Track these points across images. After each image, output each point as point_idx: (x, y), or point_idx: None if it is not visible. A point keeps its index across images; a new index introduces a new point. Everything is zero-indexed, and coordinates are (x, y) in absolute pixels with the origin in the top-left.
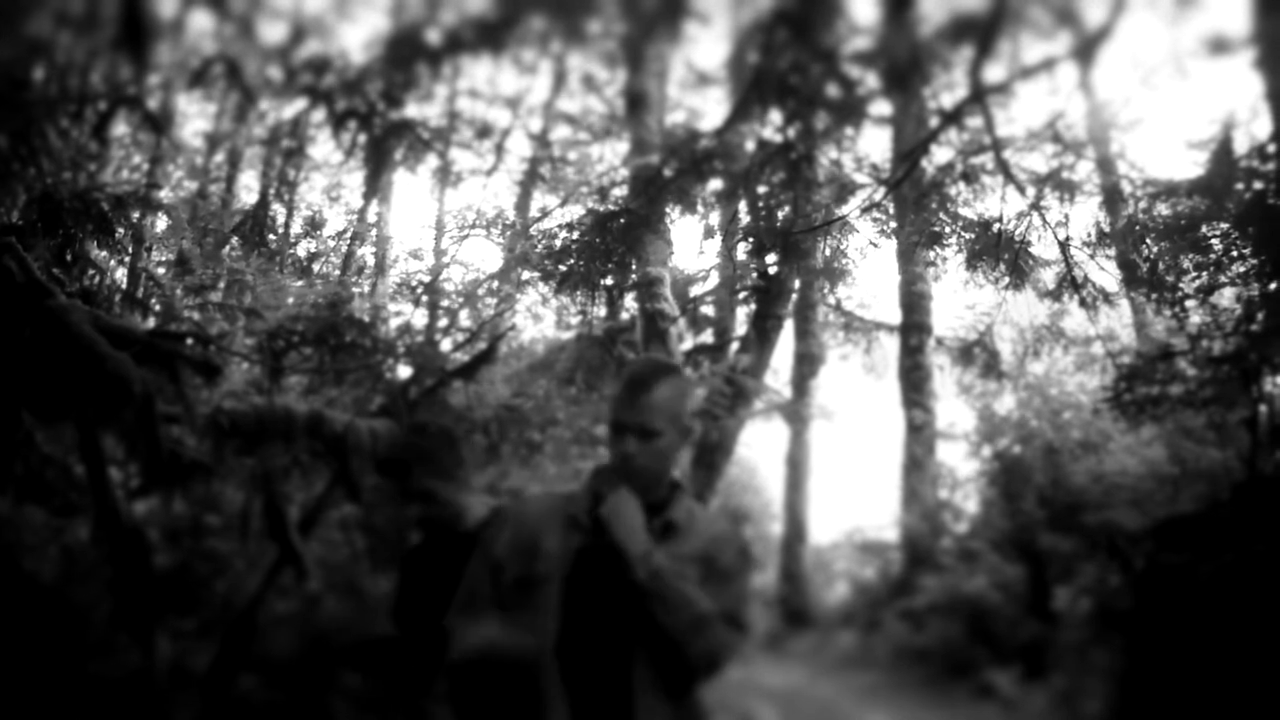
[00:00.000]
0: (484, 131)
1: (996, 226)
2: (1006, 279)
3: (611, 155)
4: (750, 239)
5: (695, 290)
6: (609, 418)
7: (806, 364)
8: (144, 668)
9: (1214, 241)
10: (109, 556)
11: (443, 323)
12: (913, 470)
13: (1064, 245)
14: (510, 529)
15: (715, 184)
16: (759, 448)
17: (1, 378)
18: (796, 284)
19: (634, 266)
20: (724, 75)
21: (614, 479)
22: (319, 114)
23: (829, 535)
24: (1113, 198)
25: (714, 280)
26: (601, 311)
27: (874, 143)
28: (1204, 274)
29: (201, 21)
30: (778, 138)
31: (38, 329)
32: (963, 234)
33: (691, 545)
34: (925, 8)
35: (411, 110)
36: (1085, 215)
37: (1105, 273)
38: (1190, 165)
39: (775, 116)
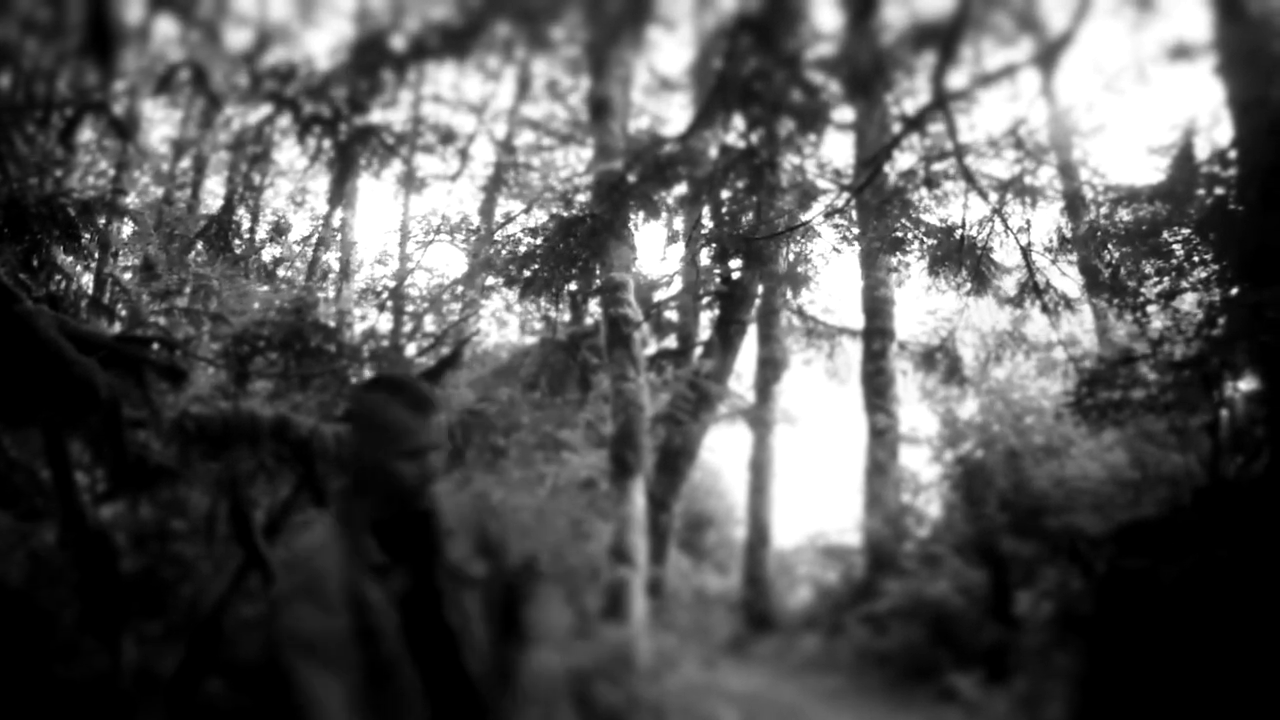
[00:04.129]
0: (448, 137)
1: (959, 232)
2: (969, 285)
3: (575, 161)
4: (713, 244)
5: (659, 295)
6: (397, 447)
7: (770, 369)
8: (110, 671)
9: (1175, 247)
10: (76, 560)
11: (407, 328)
12: (875, 475)
13: (1026, 251)
14: (320, 580)
15: (679, 189)
16: (722, 452)
17: None
18: (760, 289)
19: (598, 272)
20: (687, 81)
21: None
22: (284, 120)
23: (792, 539)
24: (1074, 203)
25: (677, 285)
26: (565, 317)
27: (837, 148)
28: (1165, 279)
29: (167, 28)
30: (741, 143)
31: (3, 334)
32: (925, 239)
33: (465, 538)
34: (888, 14)
35: (376, 116)
36: (1047, 221)
37: (1067, 278)
38: (1152, 171)
39: (739, 122)
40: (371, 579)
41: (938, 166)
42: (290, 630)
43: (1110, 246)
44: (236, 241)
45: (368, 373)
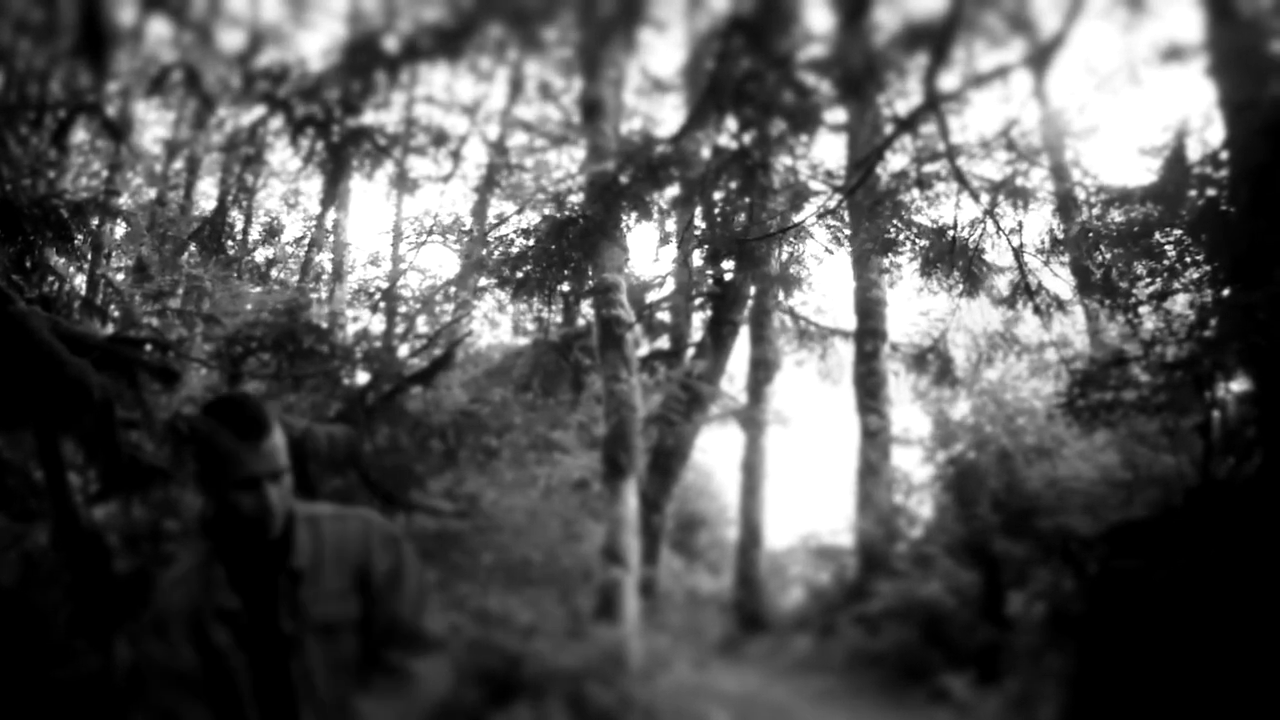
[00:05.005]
0: (441, 138)
1: (951, 233)
2: (961, 286)
3: (568, 162)
4: (706, 245)
5: (651, 296)
6: (228, 478)
7: (762, 369)
8: (103, 671)
9: (1167, 248)
10: (68, 561)
11: (400, 328)
12: (868, 475)
13: (1018, 252)
14: (170, 618)
15: (671, 191)
16: (715, 453)
17: None
18: (752, 290)
19: (590, 273)
20: (680, 82)
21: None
22: (277, 121)
23: (784, 540)
24: (1066, 204)
25: (670, 286)
26: (558, 318)
27: (829, 150)
28: (1157, 280)
29: (160, 29)
30: (733, 144)
31: None
32: (917, 241)
33: (335, 574)
34: (880, 16)
35: (369, 117)
36: (1039, 222)
37: (1059, 279)
38: (1144, 172)
39: (731, 123)
40: (219, 621)
41: (930, 168)
42: (146, 661)
43: (1102, 247)
44: (229, 243)
45: (361, 374)
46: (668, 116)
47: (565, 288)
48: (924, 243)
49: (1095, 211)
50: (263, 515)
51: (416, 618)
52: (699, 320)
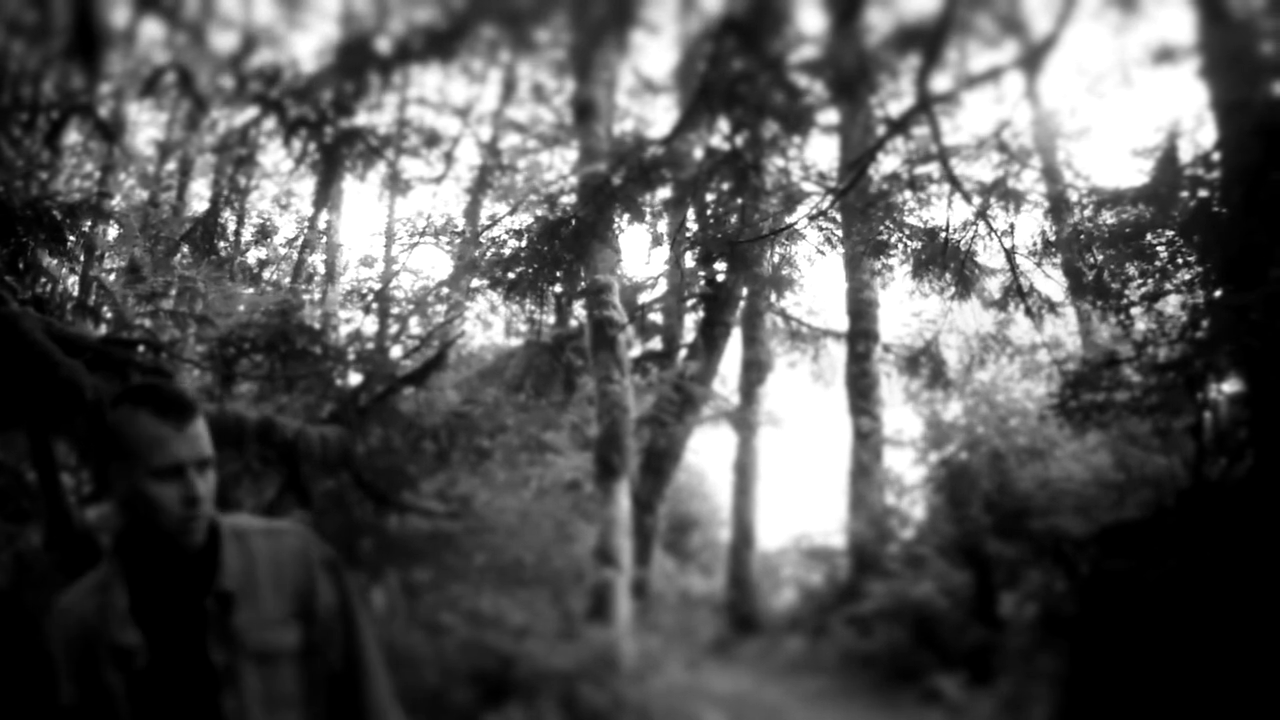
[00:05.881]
0: (433, 140)
1: (943, 235)
2: (953, 288)
3: (560, 163)
4: (698, 247)
5: (643, 298)
6: (146, 465)
7: (754, 371)
8: None
9: (1159, 249)
10: (61, 562)
11: (393, 330)
12: (860, 477)
13: (1010, 254)
14: (54, 647)
15: (663, 192)
16: (707, 454)
17: None
18: (744, 291)
19: (582, 274)
20: (672, 84)
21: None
22: (270, 122)
23: (777, 541)
24: (1058, 206)
25: (662, 288)
26: (550, 319)
27: (821, 151)
28: (1149, 281)
29: (153, 30)
30: (726, 146)
31: None
32: (909, 242)
33: (272, 597)
34: (872, 17)
35: (362, 118)
36: (1031, 224)
37: (1051, 281)
38: (1135, 174)
39: (723, 125)
40: (112, 660)
41: (922, 169)
42: (22, 698)
43: (1094, 249)
44: (222, 244)
45: (353, 375)
46: (660, 118)
47: (558, 289)
48: (916, 244)
49: (1087, 213)
50: (188, 510)
51: (373, 650)
52: (691, 321)
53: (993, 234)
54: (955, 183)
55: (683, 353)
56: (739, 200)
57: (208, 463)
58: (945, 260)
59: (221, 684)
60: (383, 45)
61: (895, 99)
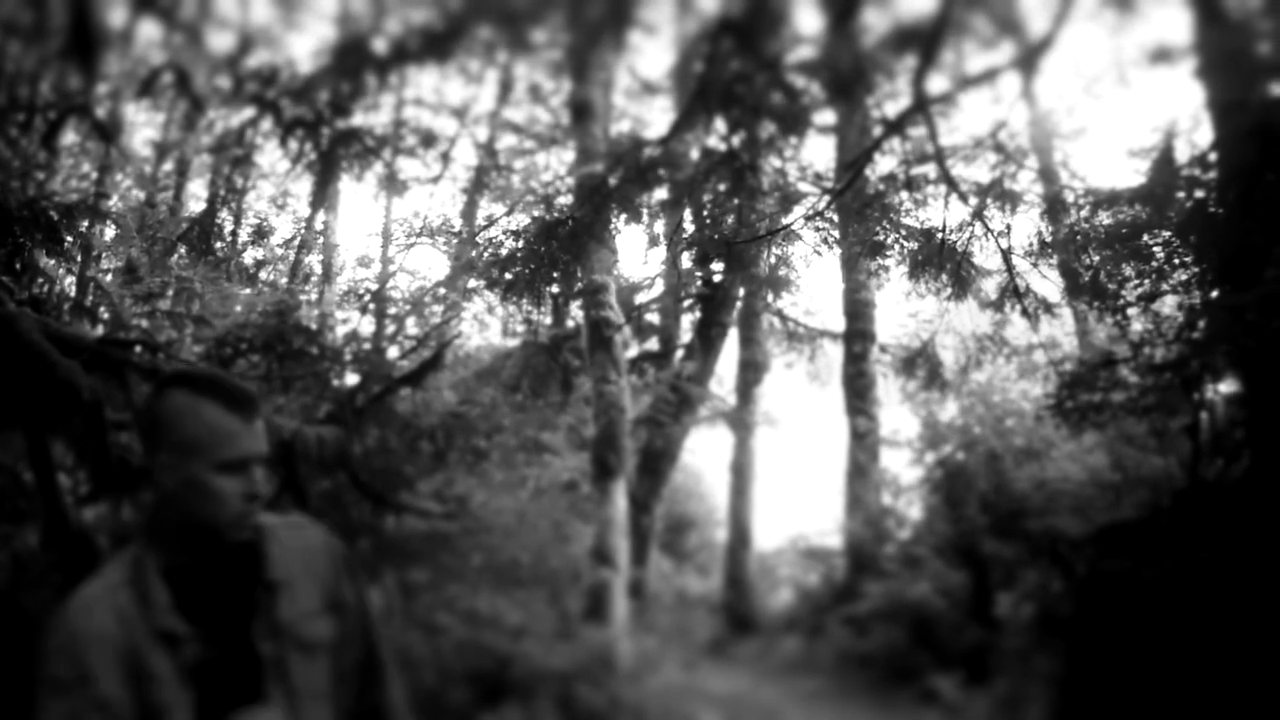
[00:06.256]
0: (430, 140)
1: (939, 235)
2: (949, 288)
3: (557, 164)
4: (695, 247)
5: (640, 298)
6: (214, 457)
7: (751, 371)
8: None
9: (1155, 250)
10: (58, 563)
11: (390, 330)
12: (856, 477)
13: (1006, 254)
14: (88, 651)
15: (660, 193)
16: (704, 454)
17: None
18: (741, 292)
19: (579, 274)
20: (669, 84)
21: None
22: (267, 123)
23: (773, 541)
24: (1054, 207)
25: (659, 288)
26: (547, 319)
27: (818, 152)
28: (1145, 282)
29: (150, 31)
30: (722, 146)
31: None
32: (906, 243)
33: (308, 589)
34: (869, 18)
35: (358, 119)
36: (1027, 224)
37: (1047, 281)
38: (1132, 174)
39: (720, 125)
40: (159, 644)
41: (918, 170)
42: (51, 702)
43: (1090, 250)
44: (219, 244)
45: (350, 375)
46: (657, 118)
47: (554, 289)
48: (912, 245)
49: (1084, 213)
50: (247, 508)
51: (404, 699)
52: (688, 322)
53: (989, 234)
54: (952, 183)
55: (679, 353)
56: (736, 201)
57: (264, 459)
58: (942, 261)
59: (268, 675)
60: (379, 46)
61: (892, 99)
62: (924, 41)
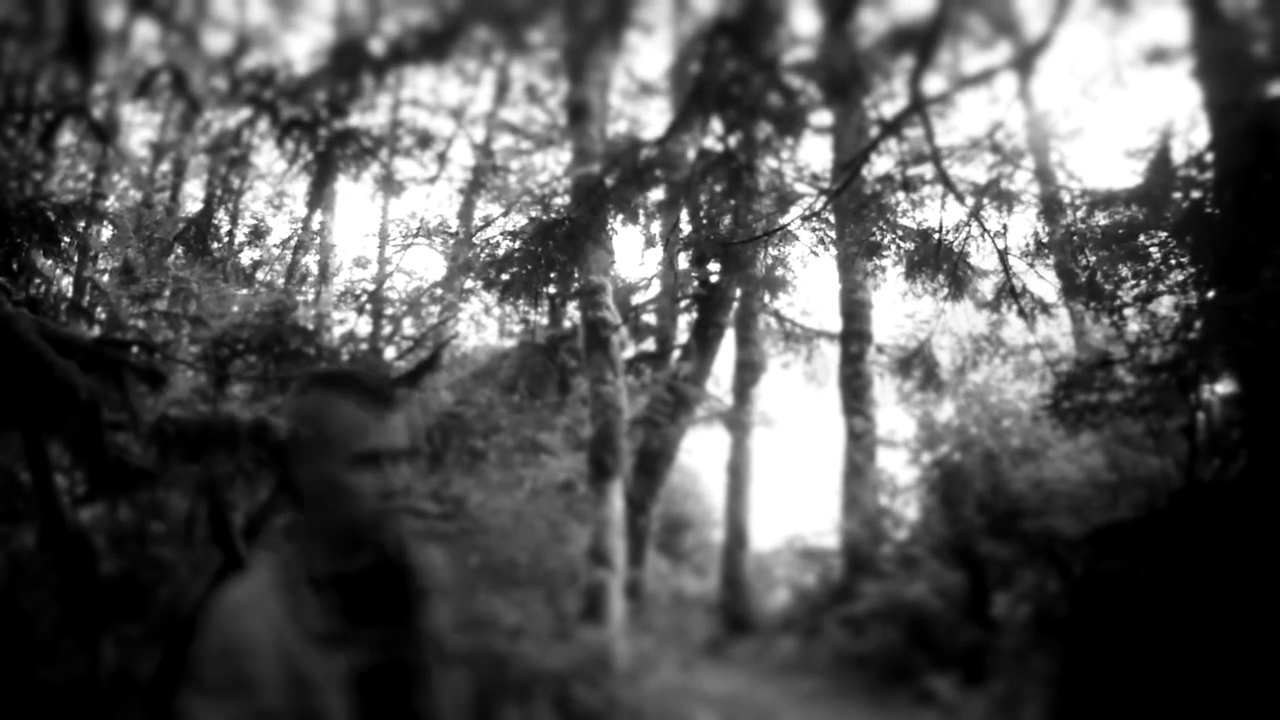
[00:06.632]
0: (427, 141)
1: (936, 236)
2: (946, 289)
3: (554, 164)
4: (692, 248)
5: (637, 298)
6: (346, 450)
7: (748, 372)
8: (89, 673)
9: (1152, 250)
10: (55, 563)
11: (386, 330)
12: (853, 477)
13: (1003, 255)
14: (247, 656)
15: (657, 193)
16: (700, 455)
17: None
18: (738, 292)
19: (576, 275)
20: (666, 85)
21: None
22: (263, 123)
23: (770, 542)
24: (1051, 207)
25: (656, 289)
26: (544, 320)
27: (815, 152)
28: (1142, 282)
29: (147, 32)
30: (719, 147)
31: None
32: (902, 243)
33: (444, 606)
34: (866, 18)
35: (355, 120)
36: (1024, 225)
37: (1044, 282)
38: (1129, 174)
39: (716, 126)
40: (315, 651)
41: (915, 170)
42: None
43: (1087, 250)
44: (215, 245)
45: None
46: (653, 119)
47: (551, 290)
48: (909, 245)
49: (1080, 214)
50: (385, 504)
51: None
52: (684, 322)
53: (986, 235)
54: (949, 184)
55: (676, 354)
56: (732, 201)
57: (404, 455)
58: (938, 261)
59: (418, 685)
60: (376, 46)
61: (888, 100)
62: (921, 42)
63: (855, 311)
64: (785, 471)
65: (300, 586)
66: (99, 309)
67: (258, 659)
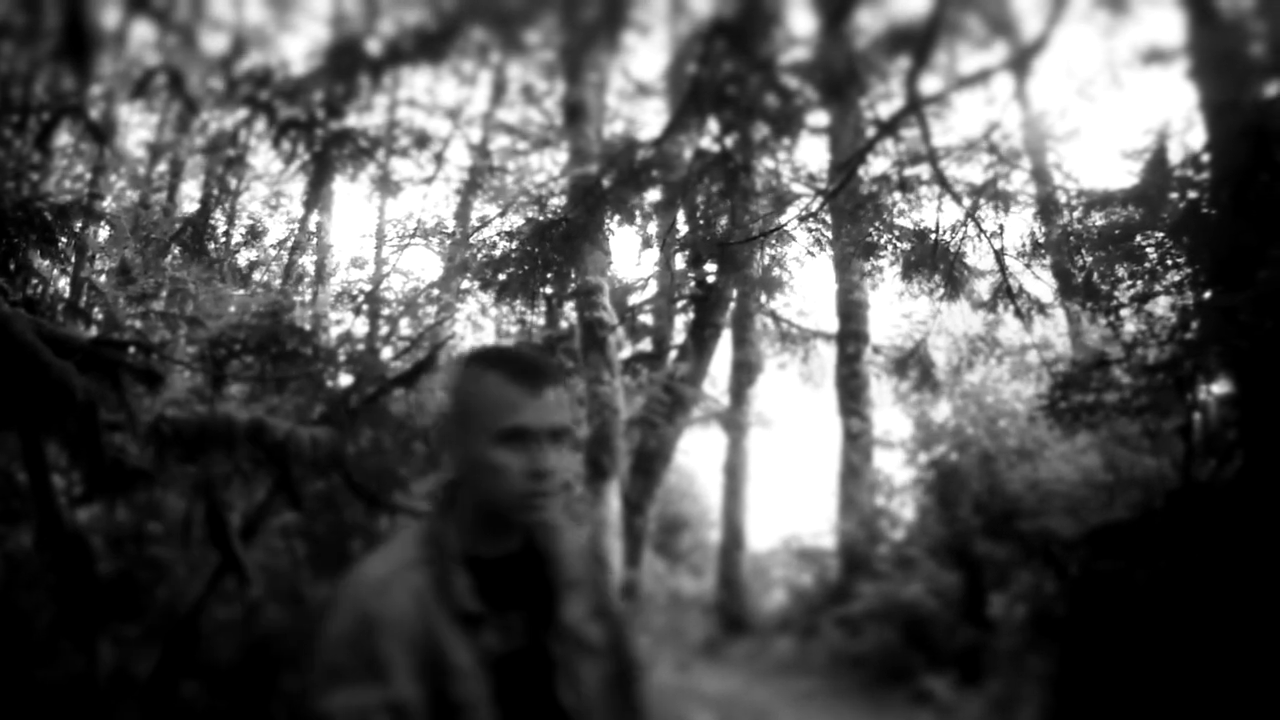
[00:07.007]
0: (424, 141)
1: (932, 236)
2: (942, 289)
3: (550, 165)
4: (688, 248)
5: (634, 299)
6: (491, 426)
7: (744, 372)
8: (87, 673)
9: (1148, 251)
10: (52, 563)
11: (383, 331)
12: (850, 478)
13: (999, 255)
14: (383, 638)
15: (653, 194)
16: (697, 455)
17: None
18: (734, 293)
19: (573, 275)
20: (662, 86)
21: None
22: (260, 124)
23: (767, 542)
24: (1048, 207)
25: (652, 289)
26: (541, 320)
27: (811, 153)
28: (1138, 283)
29: (144, 32)
30: (715, 148)
31: None
32: (899, 244)
33: (585, 596)
34: (862, 19)
35: (352, 120)
36: (1020, 225)
37: (1040, 282)
38: (1125, 175)
39: (713, 126)
40: (459, 632)
41: (911, 171)
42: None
43: (1083, 250)
44: (212, 245)
45: (344, 376)
46: (650, 120)
47: (548, 290)
48: (905, 246)
49: (1077, 214)
50: (536, 484)
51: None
52: (681, 323)
53: (982, 235)
54: (945, 184)
55: (673, 354)
56: (729, 202)
57: (561, 435)
58: (935, 262)
59: (559, 675)
60: (373, 47)
61: (885, 100)
62: (917, 42)
63: (852, 312)
64: (782, 472)
65: (449, 563)
66: (96, 309)
67: (389, 640)
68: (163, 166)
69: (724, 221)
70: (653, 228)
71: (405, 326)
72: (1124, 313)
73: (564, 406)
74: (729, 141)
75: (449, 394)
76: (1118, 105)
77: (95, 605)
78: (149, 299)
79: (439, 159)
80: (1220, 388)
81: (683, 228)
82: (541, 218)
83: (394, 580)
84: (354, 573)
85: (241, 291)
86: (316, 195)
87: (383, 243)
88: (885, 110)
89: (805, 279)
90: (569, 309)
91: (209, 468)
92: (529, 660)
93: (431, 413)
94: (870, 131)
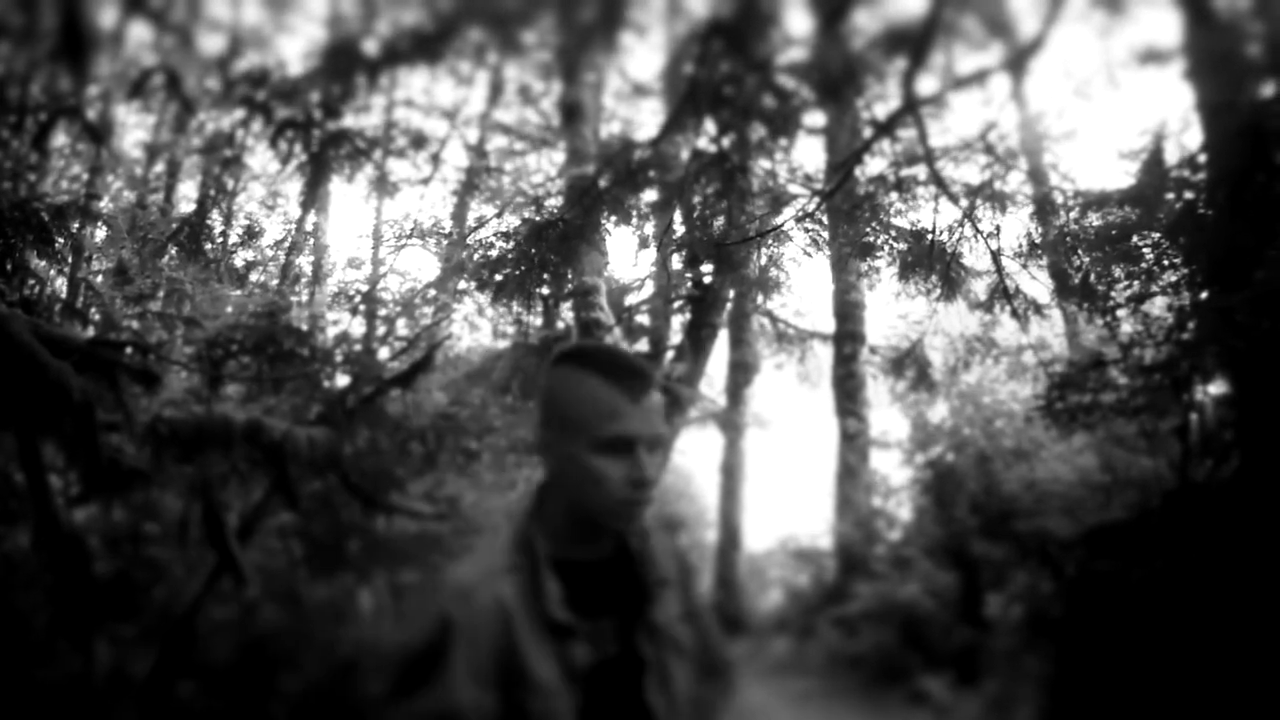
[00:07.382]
0: (420, 141)
1: (929, 237)
2: (939, 290)
3: (548, 165)
4: (685, 249)
5: (630, 299)
6: (590, 434)
7: (741, 372)
8: (84, 673)
9: (1145, 251)
10: (49, 563)
11: (380, 331)
12: (847, 478)
13: (996, 256)
14: (457, 645)
15: (650, 194)
16: (694, 455)
17: None
18: (731, 293)
19: (570, 276)
20: (659, 86)
21: (632, 528)
22: (257, 124)
23: (763, 542)
24: (1044, 208)
25: (649, 289)
26: (537, 320)
27: (808, 153)
28: (1135, 283)
29: (141, 33)
30: (712, 148)
31: None
32: (896, 244)
33: (675, 597)
34: (859, 19)
35: (349, 120)
36: (1017, 226)
37: (1037, 282)
38: (1122, 175)
39: (710, 127)
40: (546, 643)
41: (908, 171)
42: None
43: (1080, 251)
44: (209, 245)
45: (341, 376)
46: (647, 120)
47: (545, 291)
48: (902, 246)
49: (1073, 215)
50: (633, 494)
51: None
52: (678, 323)
53: (979, 236)
54: (942, 184)
55: (669, 354)
56: (725, 202)
57: (660, 442)
58: (931, 262)
59: (650, 679)
60: (370, 47)
61: (882, 101)
62: (914, 43)
63: (848, 312)
64: (779, 472)
65: (541, 570)
66: (93, 310)
67: (464, 647)
68: (160, 167)
69: (721, 222)
70: (649, 228)
71: (402, 327)
72: (1121, 313)
73: (661, 412)
74: (726, 142)
75: (541, 394)
76: (1114, 106)
77: (92, 605)
78: (146, 299)
79: (436, 159)
80: (1217, 388)
81: (679, 228)
82: (538, 218)
83: (480, 588)
84: (442, 575)
85: (238, 292)
86: (313, 196)
87: (379, 243)
88: (882, 111)
89: (802, 279)
90: (566, 309)
91: (206, 468)
92: (619, 665)
93: (428, 413)
94: (867, 132)
